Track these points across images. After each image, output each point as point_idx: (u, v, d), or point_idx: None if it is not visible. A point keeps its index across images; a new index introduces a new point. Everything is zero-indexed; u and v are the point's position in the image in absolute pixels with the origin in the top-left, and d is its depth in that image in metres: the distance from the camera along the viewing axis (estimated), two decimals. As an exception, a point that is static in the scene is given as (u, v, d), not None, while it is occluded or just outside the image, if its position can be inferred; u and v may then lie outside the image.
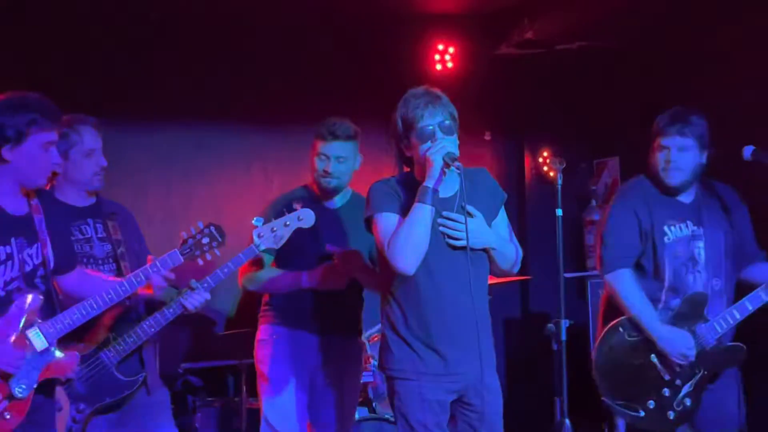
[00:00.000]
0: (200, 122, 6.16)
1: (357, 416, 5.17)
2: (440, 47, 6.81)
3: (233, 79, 6.17)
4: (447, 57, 6.82)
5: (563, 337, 3.68)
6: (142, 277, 3.59)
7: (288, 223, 3.89)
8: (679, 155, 4.22)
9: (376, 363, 5.22)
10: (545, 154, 7.01)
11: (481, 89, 6.65)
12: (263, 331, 4.49)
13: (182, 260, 3.62)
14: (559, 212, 3.70)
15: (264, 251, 4.06)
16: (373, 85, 6.32)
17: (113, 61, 5.85)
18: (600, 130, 6.90)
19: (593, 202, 6.95)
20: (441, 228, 3.54)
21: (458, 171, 3.48)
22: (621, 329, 4.22)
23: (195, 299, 3.82)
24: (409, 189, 3.60)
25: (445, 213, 3.54)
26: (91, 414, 3.78)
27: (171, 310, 3.83)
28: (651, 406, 4.16)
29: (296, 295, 4.36)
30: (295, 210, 3.91)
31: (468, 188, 3.63)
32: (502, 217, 3.79)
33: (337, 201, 4.47)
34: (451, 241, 3.56)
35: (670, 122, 4.24)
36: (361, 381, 5.17)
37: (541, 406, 5.08)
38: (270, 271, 4.39)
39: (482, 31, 6.69)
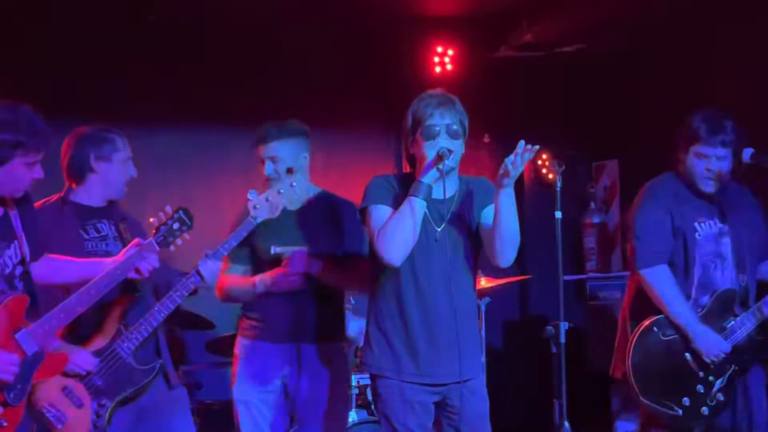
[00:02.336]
0: (198, 125, 6.15)
1: (356, 418, 5.15)
2: (439, 50, 6.82)
3: (232, 82, 6.17)
4: (446, 59, 6.83)
5: (562, 340, 3.68)
6: (120, 272, 3.55)
7: (282, 190, 3.89)
8: (718, 164, 4.23)
9: None
10: (544, 156, 7.01)
11: (480, 91, 6.65)
12: (237, 345, 4.37)
13: (158, 249, 3.61)
14: (558, 215, 3.69)
15: (234, 262, 4.14)
16: (372, 87, 6.32)
17: (112, 63, 5.85)
18: (599, 132, 6.90)
19: (592, 205, 6.95)
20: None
21: (447, 165, 3.51)
22: (655, 329, 4.23)
23: (211, 267, 3.83)
24: (406, 187, 3.61)
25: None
26: (113, 407, 3.78)
27: (178, 294, 3.81)
28: (686, 403, 4.19)
29: (262, 304, 4.24)
30: (287, 176, 3.92)
31: (467, 193, 3.69)
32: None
33: (297, 201, 4.29)
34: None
35: (713, 131, 4.20)
36: (351, 384, 5.12)
37: (540, 408, 5.08)
38: (231, 279, 4.28)
39: (481, 33, 6.68)
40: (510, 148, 3.50)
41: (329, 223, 4.21)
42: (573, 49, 6.63)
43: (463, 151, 3.66)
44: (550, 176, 6.81)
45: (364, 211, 3.68)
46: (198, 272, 3.81)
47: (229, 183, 6.25)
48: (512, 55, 6.69)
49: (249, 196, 3.91)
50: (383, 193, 3.66)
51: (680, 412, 4.18)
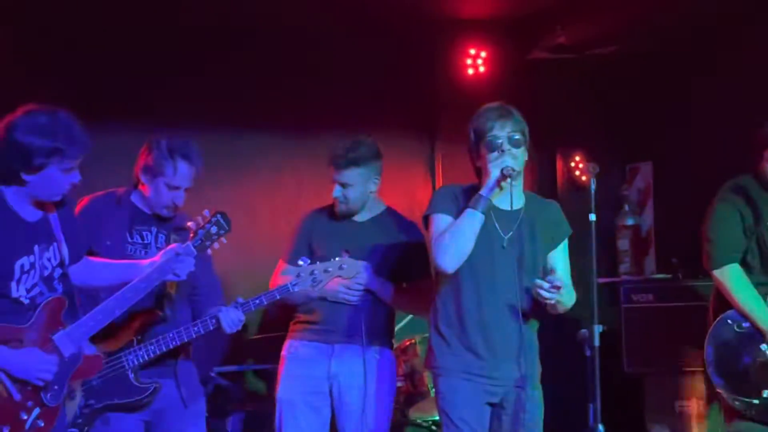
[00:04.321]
0: (232, 129, 6.17)
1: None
2: (472, 52, 6.80)
3: (264, 86, 6.18)
4: (479, 62, 6.81)
5: (596, 343, 3.67)
6: (157, 275, 3.58)
7: (329, 269, 3.96)
8: None
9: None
10: (577, 158, 6.97)
11: (513, 94, 6.57)
12: (285, 347, 4.49)
13: (195, 253, 3.65)
14: (593, 217, 3.68)
15: (291, 263, 4.23)
16: (405, 89, 6.32)
17: (139, 63, 5.88)
18: (633, 134, 6.86)
19: (626, 207, 6.90)
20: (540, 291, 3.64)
21: (511, 182, 3.61)
22: (729, 321, 4.27)
23: (232, 317, 3.89)
24: (471, 197, 3.74)
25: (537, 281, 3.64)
26: (98, 410, 3.83)
27: (196, 328, 3.90)
28: (765, 395, 4.17)
29: (316, 308, 4.36)
30: (340, 257, 3.98)
31: (531, 212, 3.80)
32: (563, 253, 3.90)
33: (364, 215, 4.44)
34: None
35: None
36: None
37: (574, 411, 5.05)
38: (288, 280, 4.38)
39: (514, 35, 6.67)
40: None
41: (393, 241, 4.30)
42: (607, 50, 6.60)
43: (527, 158, 3.77)
44: (584, 179, 6.78)
45: (426, 219, 3.84)
46: (217, 319, 3.88)
47: (261, 189, 6.28)
48: (546, 57, 6.67)
49: (300, 261, 3.99)
50: (445, 202, 3.80)
51: (756, 402, 4.17)
